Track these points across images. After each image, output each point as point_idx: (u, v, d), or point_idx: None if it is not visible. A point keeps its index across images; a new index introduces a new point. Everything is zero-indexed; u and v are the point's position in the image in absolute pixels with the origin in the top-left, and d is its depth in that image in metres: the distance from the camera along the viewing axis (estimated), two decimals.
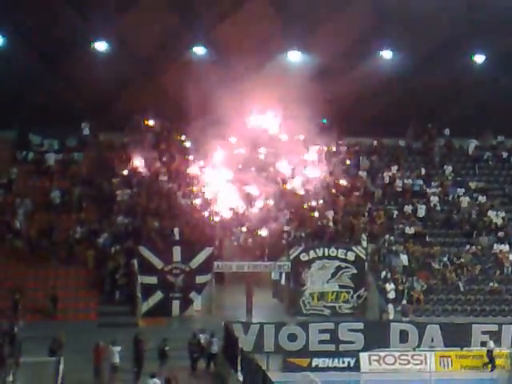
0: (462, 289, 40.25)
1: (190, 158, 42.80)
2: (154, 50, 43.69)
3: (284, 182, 42.11)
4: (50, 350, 31.31)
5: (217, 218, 39.99)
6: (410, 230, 42.36)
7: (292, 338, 34.99)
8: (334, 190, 42.96)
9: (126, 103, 41.85)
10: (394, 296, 38.90)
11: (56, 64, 43.37)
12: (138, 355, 31.06)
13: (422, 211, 43.39)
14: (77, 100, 43.32)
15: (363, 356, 34.74)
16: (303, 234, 40.50)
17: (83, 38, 42.93)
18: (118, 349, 31.01)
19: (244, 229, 39.74)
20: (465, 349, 35.34)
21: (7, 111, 41.64)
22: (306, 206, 41.64)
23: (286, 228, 40.50)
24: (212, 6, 43.02)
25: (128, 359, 31.34)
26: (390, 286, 39.06)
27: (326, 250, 39.41)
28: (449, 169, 46.06)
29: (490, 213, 43.67)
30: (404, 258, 40.59)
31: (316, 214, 41.44)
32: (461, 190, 44.77)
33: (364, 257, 39.52)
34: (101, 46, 43.52)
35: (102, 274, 38.05)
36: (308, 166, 42.95)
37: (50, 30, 42.09)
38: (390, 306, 38.40)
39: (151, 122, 44.03)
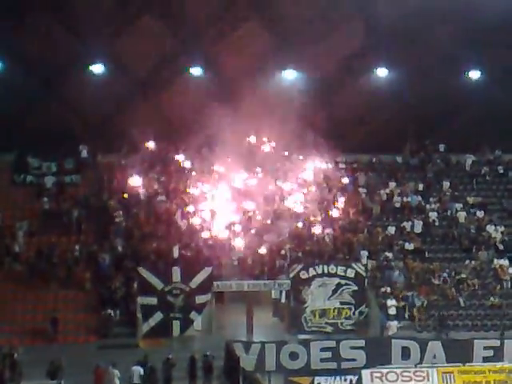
0: (462, 304, 40.18)
1: (188, 177, 42.82)
2: (151, 72, 43.91)
3: (282, 200, 42.10)
4: (48, 372, 31.19)
5: (215, 238, 39.95)
6: (409, 246, 42.34)
7: (293, 356, 34.85)
8: (332, 208, 42.93)
9: (124, 125, 41.96)
10: (394, 312, 38.85)
11: (54, 87, 43.57)
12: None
13: (420, 227, 43.40)
14: (75, 122, 43.45)
15: (365, 373, 34.56)
16: (302, 252, 40.43)
17: (80, 61, 43.18)
18: (119, 375, 30.95)
19: (242, 248, 39.69)
20: (467, 364, 35.20)
21: (5, 134, 41.75)
22: (304, 223, 41.59)
23: (285, 246, 40.45)
24: (208, 28, 43.32)
25: (128, 381, 31.25)
26: (390, 302, 39.03)
27: (326, 267, 39.29)
28: (446, 184, 46.08)
29: (489, 227, 43.69)
30: (402, 275, 40.53)
31: (315, 232, 41.40)
32: (459, 206, 44.82)
33: (364, 273, 39.41)
34: (98, 68, 43.75)
35: (101, 296, 37.97)
36: (306, 184, 43.01)
37: (48, 53, 42.33)
38: (391, 322, 38.32)
39: (150, 144, 44.10)
